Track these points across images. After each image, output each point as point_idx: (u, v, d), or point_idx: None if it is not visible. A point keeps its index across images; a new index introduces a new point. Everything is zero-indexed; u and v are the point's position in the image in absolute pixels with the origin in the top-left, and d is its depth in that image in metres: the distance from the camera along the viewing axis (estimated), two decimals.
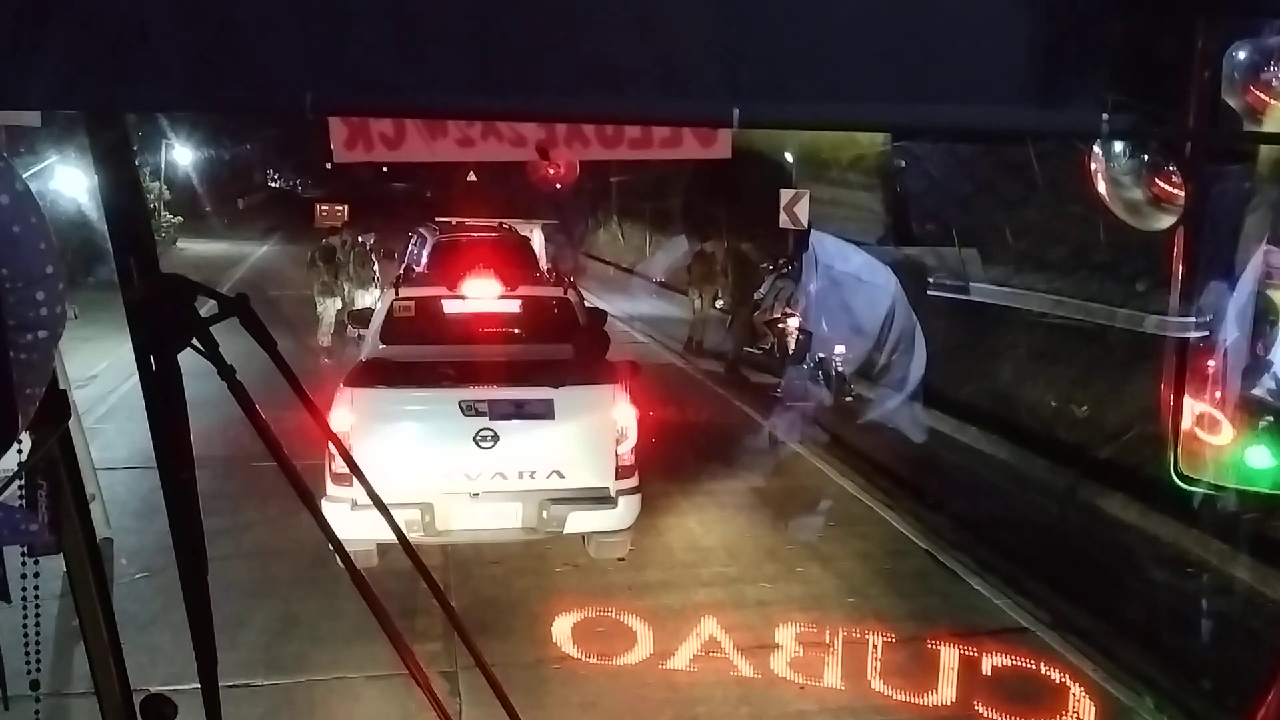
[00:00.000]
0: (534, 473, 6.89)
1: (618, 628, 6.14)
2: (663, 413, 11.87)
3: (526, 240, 15.15)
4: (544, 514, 6.90)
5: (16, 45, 1.02)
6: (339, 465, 6.38)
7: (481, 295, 8.12)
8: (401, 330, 8.03)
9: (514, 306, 8.31)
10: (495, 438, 6.80)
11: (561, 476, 6.93)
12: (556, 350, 7.85)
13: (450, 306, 8.28)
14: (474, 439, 6.79)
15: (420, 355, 7.64)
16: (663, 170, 21.09)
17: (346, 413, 6.75)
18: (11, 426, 1.17)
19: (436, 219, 16.57)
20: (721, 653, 5.93)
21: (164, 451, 1.44)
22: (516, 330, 8.33)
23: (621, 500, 7.04)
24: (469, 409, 6.83)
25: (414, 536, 6.53)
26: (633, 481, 7.11)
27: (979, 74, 1.12)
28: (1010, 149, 11.11)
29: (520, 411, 6.94)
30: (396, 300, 8.27)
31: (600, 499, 7.01)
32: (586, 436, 7.07)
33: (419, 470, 6.78)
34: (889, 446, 10.70)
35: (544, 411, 6.95)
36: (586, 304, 9.28)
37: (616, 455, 7.02)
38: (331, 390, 6.82)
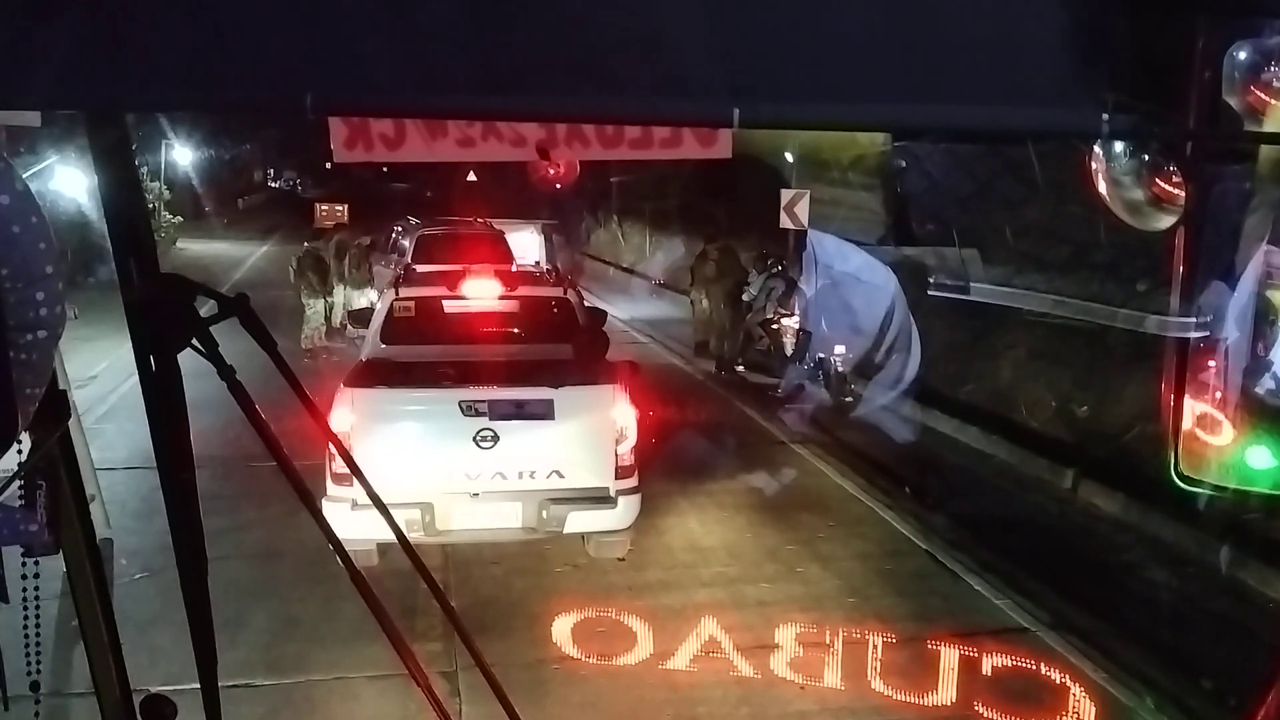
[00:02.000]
0: (534, 473, 6.90)
1: (618, 628, 6.14)
2: (663, 413, 11.89)
3: (501, 234, 15.67)
4: (544, 514, 6.90)
5: (16, 45, 1.02)
6: (339, 465, 6.39)
7: (481, 295, 8.14)
8: (401, 330, 8.04)
9: (514, 307, 8.32)
10: (495, 438, 6.81)
11: (561, 476, 6.94)
12: (556, 350, 7.85)
13: (450, 306, 8.27)
14: (474, 439, 6.80)
15: (420, 355, 7.64)
16: (663, 170, 21.08)
17: (347, 413, 6.77)
18: (11, 427, 1.17)
19: (413, 216, 18.09)
20: (721, 653, 5.93)
21: (164, 452, 1.44)
22: (516, 330, 8.34)
23: (621, 500, 7.05)
24: (469, 409, 6.84)
25: (414, 536, 6.55)
26: (632, 482, 7.11)
27: (979, 74, 1.12)
28: (1010, 149, 11.12)
29: (520, 412, 6.93)
30: (396, 300, 8.26)
31: (600, 499, 7.02)
32: (586, 437, 7.07)
33: (419, 470, 6.78)
34: (889, 446, 10.70)
35: (544, 412, 6.94)
36: (586, 304, 9.28)
37: (616, 455, 7.02)
38: (326, 392, 6.84)
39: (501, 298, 8.21)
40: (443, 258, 12.37)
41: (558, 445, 6.98)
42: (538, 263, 13.77)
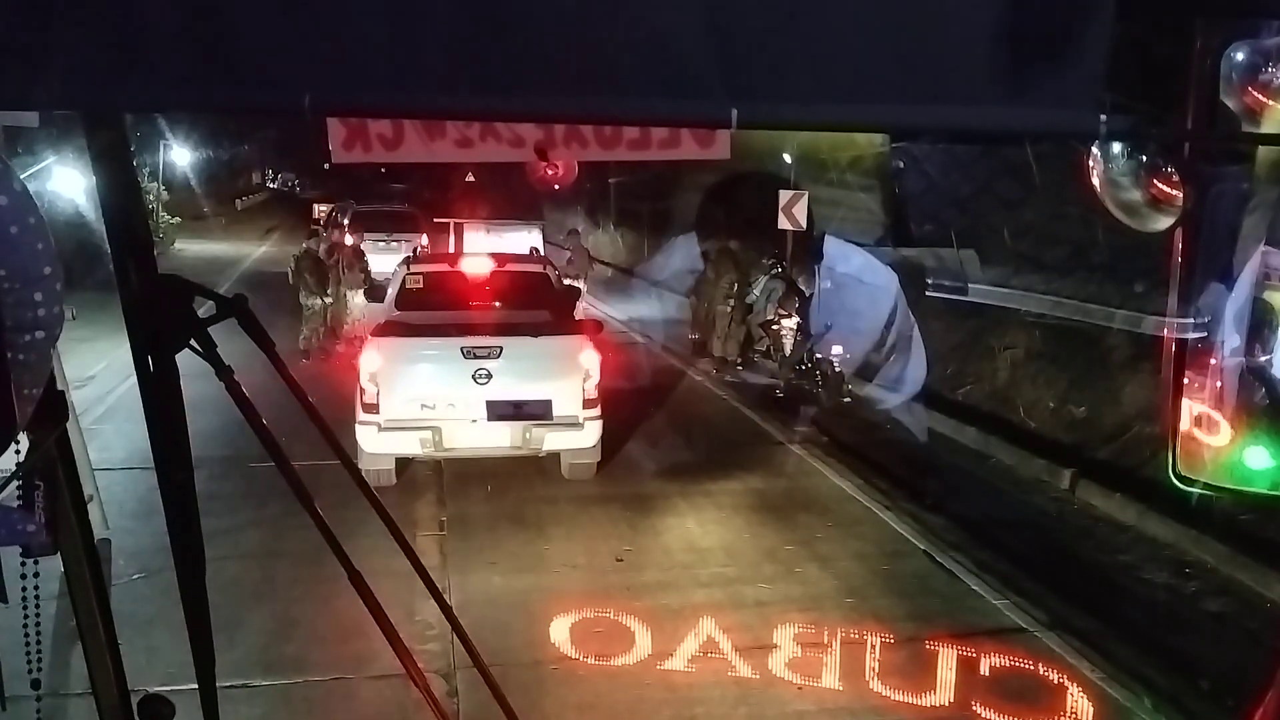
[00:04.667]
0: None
1: (616, 628, 6.15)
2: (661, 414, 11.91)
3: (415, 212, 22.83)
4: (527, 435, 8.63)
5: (16, 45, 1.02)
6: (369, 396, 8.46)
7: (477, 270, 9.90)
8: (412, 298, 9.55)
9: (503, 279, 9.95)
10: (489, 376, 8.60)
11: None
12: (536, 312, 9.42)
13: (452, 279, 9.96)
14: (473, 377, 8.57)
15: (428, 318, 9.16)
16: (661, 171, 21.08)
17: (376, 355, 8.62)
18: (9, 427, 1.17)
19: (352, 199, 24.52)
20: (720, 653, 5.94)
21: (162, 452, 1.44)
22: (505, 296, 9.85)
23: (587, 424, 8.82)
24: (469, 353, 8.58)
25: (426, 452, 8.64)
26: (595, 411, 8.86)
27: (977, 75, 1.12)
28: (1008, 150, 11.14)
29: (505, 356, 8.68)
30: (408, 275, 9.83)
31: (570, 424, 8.76)
32: (560, 375, 8.81)
33: (430, 401, 8.54)
34: (887, 447, 10.71)
35: (529, 357, 8.78)
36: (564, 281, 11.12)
37: (583, 390, 8.77)
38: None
39: (494, 273, 9.87)
40: (370, 228, 19.81)
41: (537, 382, 8.74)
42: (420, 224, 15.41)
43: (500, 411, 8.60)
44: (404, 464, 9.65)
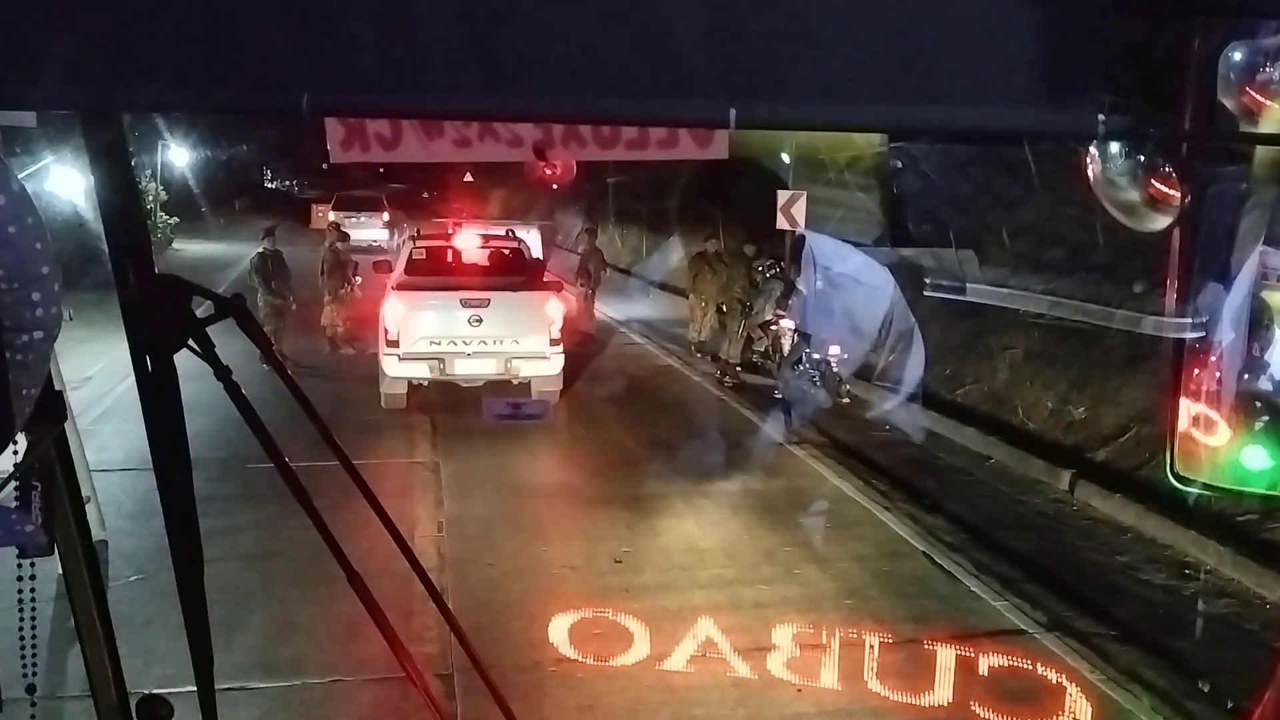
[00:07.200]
0: (502, 341, 11.47)
1: (615, 629, 6.14)
2: (661, 415, 11.90)
3: (380, 196, 31.84)
4: (508, 365, 11.50)
5: (12, 45, 1.01)
6: (391, 335, 11.38)
7: (467, 245, 13.04)
8: (417, 265, 12.51)
9: (487, 251, 13.02)
10: (480, 320, 11.44)
11: (517, 343, 11.52)
12: (514, 275, 12.31)
13: (448, 251, 12.94)
14: (468, 321, 11.42)
15: (433, 280, 11.97)
16: (660, 171, 21.08)
17: (398, 303, 11.55)
18: (7, 427, 1.16)
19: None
20: (719, 654, 5.94)
21: (160, 453, 1.44)
22: (490, 263, 12.82)
23: (552, 357, 11.66)
24: (465, 303, 11.44)
25: (433, 376, 11.51)
26: (559, 349, 11.69)
27: (975, 75, 1.12)
28: (1006, 150, 11.14)
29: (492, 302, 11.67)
30: (414, 249, 12.87)
31: (539, 357, 11.58)
32: (531, 321, 11.62)
33: (436, 338, 11.42)
34: (886, 447, 10.71)
35: (508, 306, 11.68)
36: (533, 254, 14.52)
37: (549, 332, 11.57)
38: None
39: (480, 247, 13.03)
40: (346, 208, 26.81)
41: (516, 325, 11.54)
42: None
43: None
44: (404, 464, 9.66)
